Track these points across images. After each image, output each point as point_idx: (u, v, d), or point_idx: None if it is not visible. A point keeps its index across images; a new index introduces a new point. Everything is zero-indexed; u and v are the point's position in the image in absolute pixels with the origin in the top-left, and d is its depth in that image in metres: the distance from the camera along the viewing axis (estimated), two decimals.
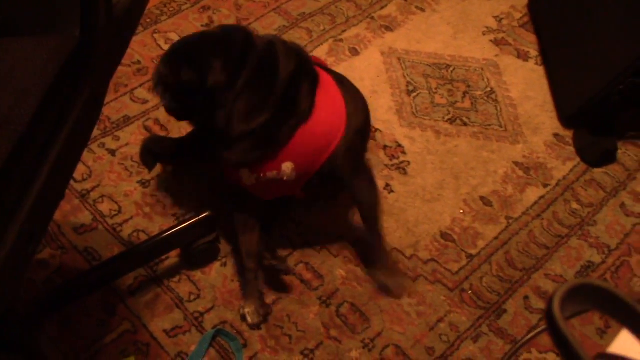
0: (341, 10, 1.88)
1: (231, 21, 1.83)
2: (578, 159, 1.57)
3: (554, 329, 0.38)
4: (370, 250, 1.35)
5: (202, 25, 1.81)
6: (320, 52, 1.76)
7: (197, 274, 1.33)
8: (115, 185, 1.46)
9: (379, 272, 1.33)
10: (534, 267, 1.38)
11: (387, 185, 1.50)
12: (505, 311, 1.31)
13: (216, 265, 1.35)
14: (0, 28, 0.92)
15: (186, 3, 1.87)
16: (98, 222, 1.40)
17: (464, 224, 1.44)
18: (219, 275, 1.33)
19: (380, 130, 1.60)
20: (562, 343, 0.37)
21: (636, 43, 1.49)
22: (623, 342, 0.42)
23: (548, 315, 0.38)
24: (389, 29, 1.85)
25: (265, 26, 1.82)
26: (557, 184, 1.53)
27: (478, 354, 1.26)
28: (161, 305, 1.29)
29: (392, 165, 1.53)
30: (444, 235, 1.42)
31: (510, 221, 1.45)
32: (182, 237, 1.31)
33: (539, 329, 0.42)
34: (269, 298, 1.31)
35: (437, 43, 1.82)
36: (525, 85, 1.73)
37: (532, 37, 1.84)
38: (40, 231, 0.90)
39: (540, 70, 1.76)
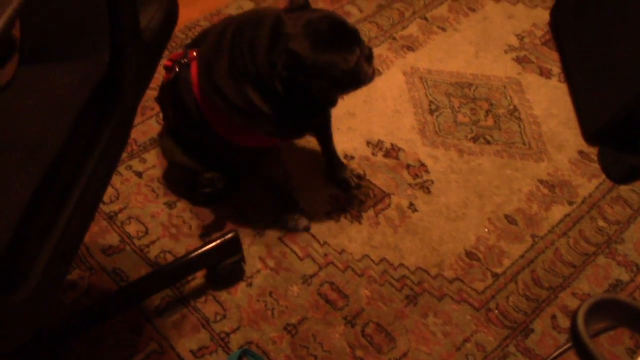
0: (363, 31, 1.90)
1: None
2: (603, 176, 1.56)
3: (578, 344, 0.38)
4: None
5: None
6: None
7: (223, 294, 1.34)
8: (142, 207, 1.48)
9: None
10: (560, 285, 1.37)
11: (411, 204, 1.50)
12: (532, 331, 1.30)
13: (241, 285, 1.36)
14: (32, 54, 0.95)
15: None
16: (125, 244, 1.42)
17: (489, 243, 1.44)
18: (244, 295, 1.34)
19: (403, 150, 1.61)
20: (586, 358, 0.37)
21: None
22: None
23: (572, 330, 0.39)
24: (410, 48, 1.86)
25: None
26: (582, 202, 1.51)
27: None
28: (188, 326, 1.30)
29: (416, 185, 1.54)
30: (469, 254, 1.42)
31: (536, 239, 1.44)
32: (208, 258, 1.32)
33: (565, 347, 0.42)
34: (294, 318, 1.31)
35: (459, 62, 1.83)
36: (549, 102, 1.73)
37: (555, 55, 1.84)
38: (71, 252, 0.92)
39: (563, 88, 1.76)
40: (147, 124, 1.65)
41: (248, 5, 1.97)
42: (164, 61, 1.35)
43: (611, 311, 0.40)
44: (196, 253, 1.31)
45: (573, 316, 0.39)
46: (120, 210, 1.47)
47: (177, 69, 1.35)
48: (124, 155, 1.57)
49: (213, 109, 1.31)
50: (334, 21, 1.28)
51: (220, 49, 1.28)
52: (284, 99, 1.25)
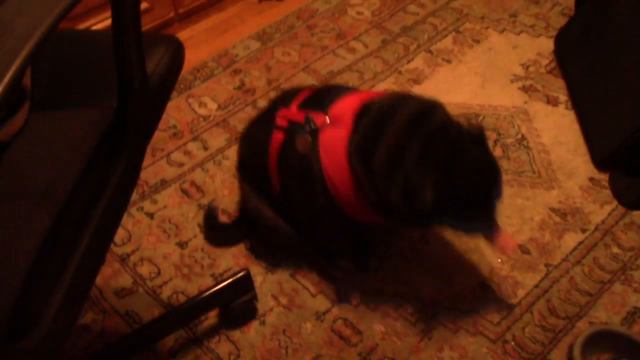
0: (368, 66, 1.92)
1: (262, 83, 1.88)
2: (616, 202, 1.55)
3: None
4: None
5: (234, 88, 1.87)
6: None
7: (236, 334, 1.34)
8: (154, 248, 1.49)
9: None
10: (577, 315, 1.35)
11: (423, 236, 1.49)
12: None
13: (255, 324, 1.35)
14: (42, 102, 0.97)
15: (218, 67, 1.94)
16: (138, 285, 1.42)
17: (503, 273, 1.42)
18: (257, 334, 1.34)
19: None
20: None
21: None
22: None
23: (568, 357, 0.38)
24: (416, 82, 1.87)
25: (294, 85, 1.87)
26: (595, 229, 1.50)
27: None
28: None
29: None
30: (482, 286, 1.40)
31: (550, 268, 1.43)
32: (220, 297, 1.32)
33: None
34: (308, 355, 1.30)
35: (465, 93, 1.84)
36: (557, 130, 1.73)
37: (561, 82, 1.84)
38: (82, 296, 0.93)
39: (571, 115, 1.76)
40: (158, 165, 1.67)
41: (254, 46, 2.00)
42: (277, 120, 1.29)
43: (608, 342, 0.40)
44: (208, 293, 1.31)
45: (569, 349, 0.38)
46: (133, 252, 1.48)
47: (293, 131, 1.27)
48: (136, 196, 1.58)
49: (348, 188, 1.23)
50: (488, 174, 1.21)
51: (384, 132, 1.19)
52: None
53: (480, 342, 1.31)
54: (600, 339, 0.34)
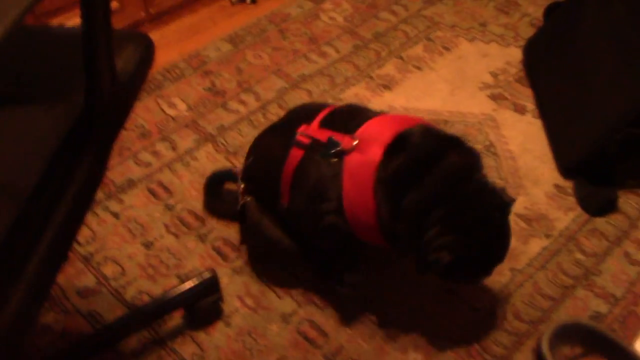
0: (340, 70, 1.93)
1: (233, 85, 1.88)
2: (579, 209, 1.58)
3: None
4: None
5: (204, 90, 1.86)
6: None
7: (201, 335, 1.32)
8: (118, 248, 1.47)
9: None
10: (540, 319, 1.36)
11: None
12: None
13: (220, 325, 1.34)
14: (5, 97, 0.95)
15: (188, 68, 1.93)
16: (102, 285, 1.40)
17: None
18: (222, 335, 1.33)
19: None
20: None
21: (630, 94, 1.52)
22: None
23: (538, 354, 0.39)
24: (387, 87, 1.89)
25: (265, 88, 1.87)
26: (559, 235, 1.53)
27: None
28: None
29: None
30: (448, 289, 1.42)
31: (515, 273, 1.45)
32: (185, 298, 1.31)
33: None
34: (273, 357, 1.29)
35: (436, 100, 1.86)
36: (524, 138, 1.76)
37: (528, 91, 1.88)
38: (43, 293, 0.91)
39: (538, 123, 1.79)
40: (125, 164, 1.65)
41: (226, 47, 1.99)
42: (298, 136, 1.28)
43: (576, 336, 0.41)
44: (173, 293, 1.30)
45: (538, 342, 0.39)
46: (97, 252, 1.46)
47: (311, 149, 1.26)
48: (101, 196, 1.56)
49: (367, 214, 1.22)
50: (503, 246, 1.26)
51: (420, 178, 1.19)
52: None
53: (444, 344, 1.32)
54: (569, 332, 0.35)
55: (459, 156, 1.24)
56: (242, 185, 1.39)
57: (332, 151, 1.23)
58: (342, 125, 1.28)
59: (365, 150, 1.22)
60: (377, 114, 1.32)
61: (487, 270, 1.27)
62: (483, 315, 1.38)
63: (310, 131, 1.29)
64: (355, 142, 1.23)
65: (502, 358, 1.30)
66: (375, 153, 1.21)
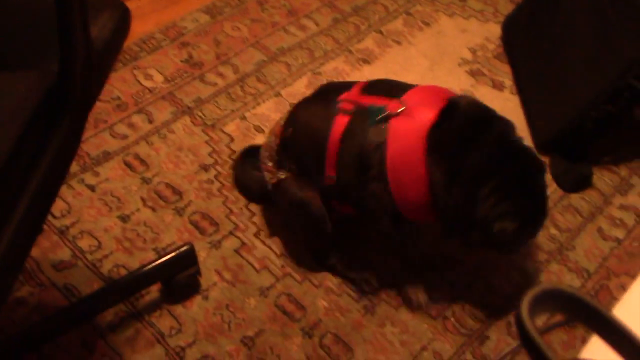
0: (319, 44, 1.91)
1: (210, 57, 1.85)
2: (554, 185, 1.60)
3: (523, 334, 0.39)
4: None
5: (181, 61, 1.83)
6: (299, 86, 1.79)
7: (178, 308, 1.32)
8: (94, 221, 1.45)
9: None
10: (515, 293, 1.38)
11: None
12: (488, 337, 1.32)
13: (197, 298, 1.34)
14: None
15: (165, 39, 1.89)
16: (77, 258, 1.39)
17: (445, 252, 1.45)
18: (200, 309, 1.32)
19: None
20: (531, 348, 0.38)
21: (606, 71, 1.53)
22: (594, 347, 0.43)
23: (517, 320, 0.39)
24: (366, 62, 1.88)
25: (244, 61, 1.85)
26: None
27: None
28: (142, 341, 1.27)
29: None
30: (425, 264, 1.43)
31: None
32: (162, 271, 1.30)
33: (514, 345, 0.43)
34: (251, 330, 1.30)
35: (414, 75, 1.85)
36: (502, 114, 1.75)
37: (506, 68, 1.88)
38: (17, 264, 0.90)
39: (515, 99, 1.80)
40: (100, 136, 1.62)
41: (203, 19, 1.96)
42: (341, 104, 1.24)
43: (557, 302, 0.41)
44: (150, 266, 1.29)
45: (518, 307, 0.39)
46: (72, 225, 1.44)
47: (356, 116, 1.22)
48: (77, 168, 1.54)
49: (414, 181, 1.18)
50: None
51: (476, 142, 1.18)
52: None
53: (421, 318, 1.34)
54: (549, 298, 0.35)
55: (503, 122, 1.25)
56: (271, 162, 1.33)
57: (379, 116, 1.20)
58: (385, 92, 1.25)
59: (414, 115, 1.19)
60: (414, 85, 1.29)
61: (535, 233, 1.28)
62: (459, 289, 1.39)
63: (355, 97, 1.25)
64: (402, 107, 1.20)
65: (478, 332, 1.32)
66: (426, 117, 1.18)
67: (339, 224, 1.35)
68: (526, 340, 0.39)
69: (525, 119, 1.75)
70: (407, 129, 1.19)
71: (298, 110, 1.36)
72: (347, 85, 1.32)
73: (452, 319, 1.34)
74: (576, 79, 1.64)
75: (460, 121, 1.20)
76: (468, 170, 1.17)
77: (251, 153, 1.50)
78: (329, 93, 1.33)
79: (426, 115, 1.19)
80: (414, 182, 1.19)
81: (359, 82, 1.32)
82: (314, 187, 1.30)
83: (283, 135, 1.33)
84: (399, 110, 1.19)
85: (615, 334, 0.41)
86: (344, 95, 1.27)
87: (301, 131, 1.31)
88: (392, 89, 1.26)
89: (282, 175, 1.32)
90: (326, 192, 1.30)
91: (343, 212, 1.35)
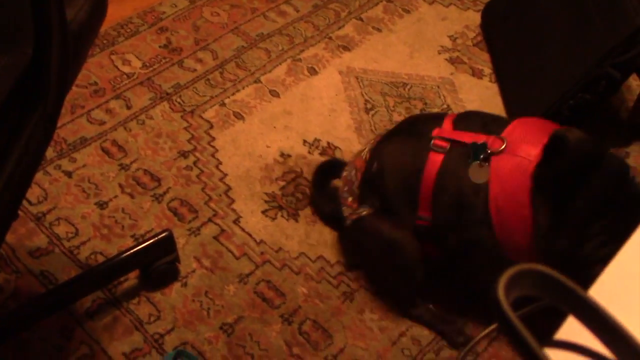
0: (299, 30, 1.90)
1: (189, 43, 1.83)
2: None
3: (500, 317, 0.39)
4: None
5: (159, 47, 1.81)
6: (279, 72, 1.78)
7: (157, 295, 1.31)
8: (71, 208, 1.44)
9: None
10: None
11: None
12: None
13: (176, 285, 1.33)
14: None
15: (143, 24, 1.87)
16: (54, 245, 1.37)
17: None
18: (179, 295, 1.32)
19: (339, 148, 1.61)
20: (508, 330, 0.38)
21: (583, 60, 1.54)
22: (570, 328, 0.43)
23: (493, 302, 0.40)
24: (346, 48, 1.87)
25: (223, 47, 1.83)
26: None
27: None
28: (120, 328, 1.26)
29: None
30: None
31: None
32: (141, 258, 1.29)
33: (491, 327, 0.43)
34: (230, 317, 1.30)
35: (394, 62, 1.85)
36: (481, 102, 1.77)
37: (486, 56, 1.89)
38: None
39: (494, 87, 1.81)
40: (77, 122, 1.60)
41: (182, 4, 1.94)
42: (434, 140, 1.18)
43: (530, 282, 0.42)
44: (128, 253, 1.28)
45: (493, 287, 0.40)
46: (49, 211, 1.42)
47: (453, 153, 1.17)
48: (54, 154, 1.52)
49: (521, 222, 1.12)
50: None
51: (587, 182, 1.10)
52: None
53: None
54: (525, 279, 0.36)
55: (615, 160, 1.19)
56: (351, 197, 1.29)
57: (480, 154, 1.14)
58: (480, 127, 1.20)
59: (517, 152, 1.13)
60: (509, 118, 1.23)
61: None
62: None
63: (447, 133, 1.20)
64: (505, 145, 1.14)
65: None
66: (530, 154, 1.12)
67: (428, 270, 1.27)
68: (503, 323, 0.39)
69: (503, 106, 1.76)
70: (511, 167, 1.12)
71: (384, 145, 1.29)
72: (436, 118, 1.27)
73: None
74: (554, 67, 1.65)
75: (569, 158, 1.12)
76: (577, 213, 1.11)
77: (329, 170, 1.46)
78: (417, 126, 1.28)
79: (531, 153, 1.12)
80: (520, 224, 1.13)
81: (448, 114, 1.28)
82: (406, 227, 1.23)
83: (367, 170, 1.27)
84: (502, 148, 1.14)
85: (591, 315, 0.41)
86: (436, 131, 1.21)
87: (389, 167, 1.24)
88: (487, 123, 1.21)
89: (363, 212, 1.26)
90: (418, 234, 1.23)
91: (433, 256, 1.27)
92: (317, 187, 1.46)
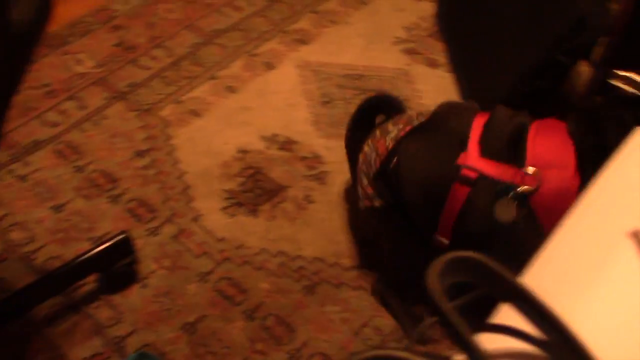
0: (254, 25, 1.90)
1: (143, 40, 1.81)
2: None
3: (431, 302, 0.40)
4: None
5: (113, 45, 1.79)
6: (235, 68, 1.77)
7: (117, 298, 1.30)
8: (26, 213, 1.41)
9: None
10: None
11: (307, 196, 1.51)
12: (426, 310, 1.34)
13: (136, 287, 1.32)
14: None
15: (96, 23, 1.84)
16: (9, 252, 1.35)
17: None
18: (139, 297, 1.31)
19: (298, 142, 1.61)
20: (442, 319, 0.39)
21: (535, 47, 1.57)
22: (505, 313, 0.44)
23: (427, 292, 0.40)
24: (302, 42, 1.87)
25: (178, 44, 1.81)
26: None
27: None
28: (79, 333, 1.25)
29: (311, 176, 1.55)
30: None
31: None
32: (98, 261, 1.28)
33: (433, 319, 0.44)
34: (192, 316, 1.29)
35: (351, 54, 1.86)
36: (437, 92, 1.78)
37: (441, 46, 1.90)
38: None
39: (450, 77, 1.82)
40: (30, 125, 1.57)
41: (135, 1, 1.91)
42: (461, 170, 1.11)
43: (463, 269, 0.42)
44: (85, 257, 1.27)
45: (425, 274, 0.40)
46: (3, 217, 1.40)
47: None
48: (6, 159, 1.49)
49: None
50: None
51: None
52: None
53: (361, 295, 1.35)
54: (459, 267, 0.36)
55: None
56: (367, 180, 1.24)
57: (508, 194, 1.08)
58: (506, 155, 1.12)
59: (551, 182, 1.08)
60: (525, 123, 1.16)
61: None
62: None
63: (473, 162, 1.12)
64: (537, 183, 1.07)
65: (417, 302, 1.35)
66: (568, 182, 1.07)
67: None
68: (434, 310, 0.40)
69: (459, 96, 1.77)
70: (558, 197, 1.07)
71: (409, 141, 1.22)
72: (466, 112, 1.21)
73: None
74: (507, 55, 1.67)
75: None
76: None
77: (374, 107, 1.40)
78: (447, 123, 1.21)
79: (566, 179, 1.08)
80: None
81: (477, 109, 1.22)
82: (420, 245, 1.21)
83: (387, 161, 1.22)
84: (535, 185, 1.08)
85: (523, 301, 0.42)
86: (462, 159, 1.13)
87: (408, 174, 1.19)
88: (511, 148, 1.13)
89: (377, 202, 1.23)
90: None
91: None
92: (354, 126, 1.39)
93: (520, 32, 1.63)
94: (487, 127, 1.17)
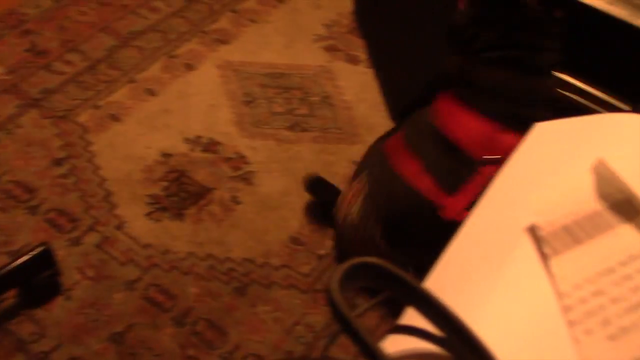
0: (172, 26, 1.86)
1: (56, 45, 1.75)
2: None
3: (336, 315, 0.40)
4: None
5: (24, 51, 1.72)
6: (154, 70, 1.74)
7: (39, 312, 1.26)
8: None
9: None
10: None
11: (234, 197, 1.50)
12: (357, 305, 1.36)
13: (59, 300, 1.28)
14: None
15: (4, 27, 1.77)
16: None
17: (312, 227, 1.48)
18: (63, 310, 1.27)
19: (221, 143, 1.60)
20: (346, 327, 0.40)
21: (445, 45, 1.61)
22: (411, 315, 0.45)
23: (329, 301, 0.41)
24: (222, 42, 1.86)
25: (93, 47, 1.76)
26: None
27: (336, 350, 1.29)
28: (1, 351, 1.20)
29: (237, 177, 1.54)
30: (293, 240, 1.45)
31: None
32: (17, 275, 1.23)
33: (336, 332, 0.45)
34: (119, 326, 1.26)
35: (272, 53, 1.86)
36: (359, 88, 1.81)
37: (360, 42, 1.93)
38: None
39: (370, 73, 1.85)
40: None
41: (46, 4, 1.85)
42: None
43: (366, 275, 0.43)
44: (3, 271, 1.22)
45: (327, 281, 0.41)
46: None
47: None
48: None
49: None
50: None
51: None
52: None
53: (292, 294, 1.36)
54: (361, 273, 0.37)
55: None
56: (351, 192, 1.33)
57: None
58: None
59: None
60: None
61: None
62: (327, 261, 1.43)
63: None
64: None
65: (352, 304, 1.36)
66: None
67: None
68: (340, 320, 0.40)
69: (379, 91, 1.81)
70: None
71: (380, 167, 1.35)
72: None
73: (323, 292, 1.37)
74: (422, 50, 1.71)
75: None
76: None
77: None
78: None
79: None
80: None
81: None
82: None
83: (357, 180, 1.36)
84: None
85: (424, 303, 0.43)
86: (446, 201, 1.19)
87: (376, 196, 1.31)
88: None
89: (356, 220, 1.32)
90: None
91: None
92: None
93: (435, 26, 1.66)
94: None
